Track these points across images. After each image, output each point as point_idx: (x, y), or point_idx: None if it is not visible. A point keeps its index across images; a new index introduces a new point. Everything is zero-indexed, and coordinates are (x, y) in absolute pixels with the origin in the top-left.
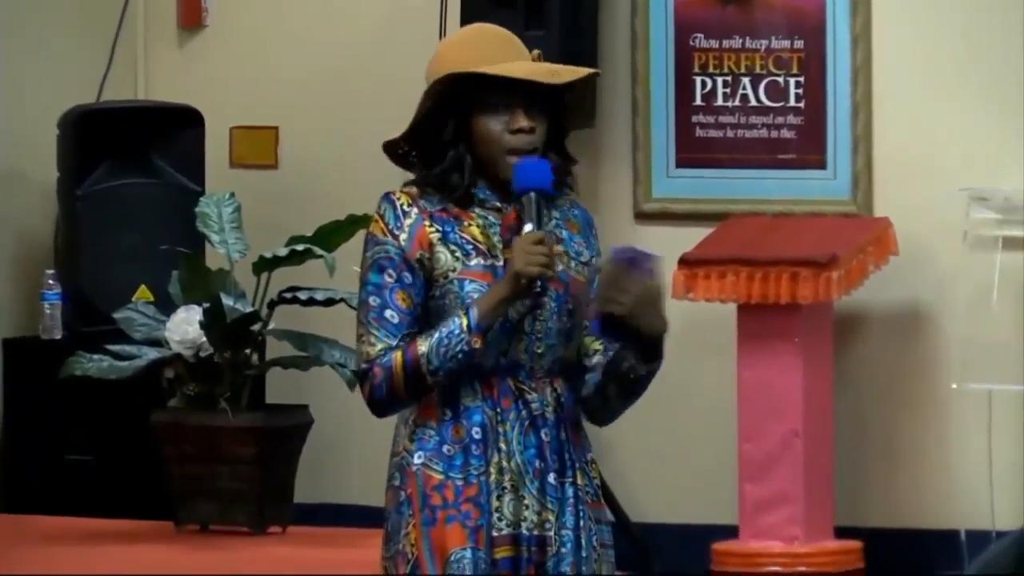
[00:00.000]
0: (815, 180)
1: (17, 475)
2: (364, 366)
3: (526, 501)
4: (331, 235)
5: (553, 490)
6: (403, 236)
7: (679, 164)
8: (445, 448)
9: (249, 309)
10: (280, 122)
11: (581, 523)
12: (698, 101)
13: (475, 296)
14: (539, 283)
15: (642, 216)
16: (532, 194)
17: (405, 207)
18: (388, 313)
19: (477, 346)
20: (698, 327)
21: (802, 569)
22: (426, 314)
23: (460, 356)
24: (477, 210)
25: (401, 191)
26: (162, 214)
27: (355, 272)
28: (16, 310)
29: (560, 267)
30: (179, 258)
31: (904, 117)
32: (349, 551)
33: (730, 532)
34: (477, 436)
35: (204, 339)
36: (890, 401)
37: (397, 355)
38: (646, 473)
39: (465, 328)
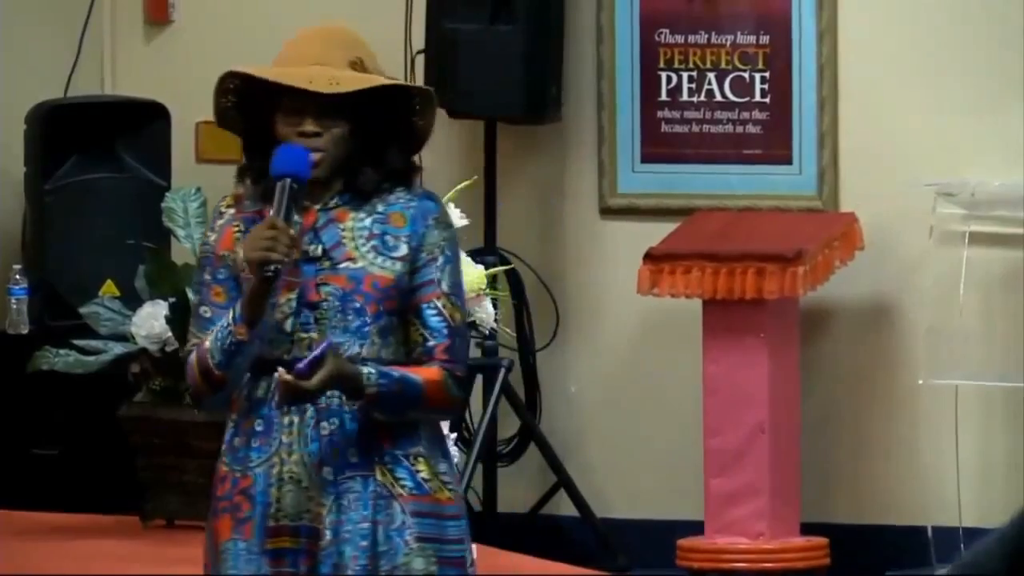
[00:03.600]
0: (781, 175)
1: None
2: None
3: (310, 493)
4: None
5: (329, 484)
6: (213, 236)
7: (644, 159)
8: (236, 440)
9: None
10: None
11: (378, 517)
12: (664, 96)
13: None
14: (270, 267)
15: (607, 211)
16: (286, 181)
17: (223, 208)
18: (202, 310)
19: (242, 337)
20: (664, 322)
21: (768, 565)
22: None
23: (232, 348)
24: None
25: (232, 193)
26: (129, 209)
27: None
28: None
29: (351, 262)
30: (145, 253)
31: (870, 112)
32: None
33: (696, 528)
34: (260, 428)
35: (170, 334)
36: (856, 397)
37: (190, 353)
38: (612, 468)
39: (231, 319)
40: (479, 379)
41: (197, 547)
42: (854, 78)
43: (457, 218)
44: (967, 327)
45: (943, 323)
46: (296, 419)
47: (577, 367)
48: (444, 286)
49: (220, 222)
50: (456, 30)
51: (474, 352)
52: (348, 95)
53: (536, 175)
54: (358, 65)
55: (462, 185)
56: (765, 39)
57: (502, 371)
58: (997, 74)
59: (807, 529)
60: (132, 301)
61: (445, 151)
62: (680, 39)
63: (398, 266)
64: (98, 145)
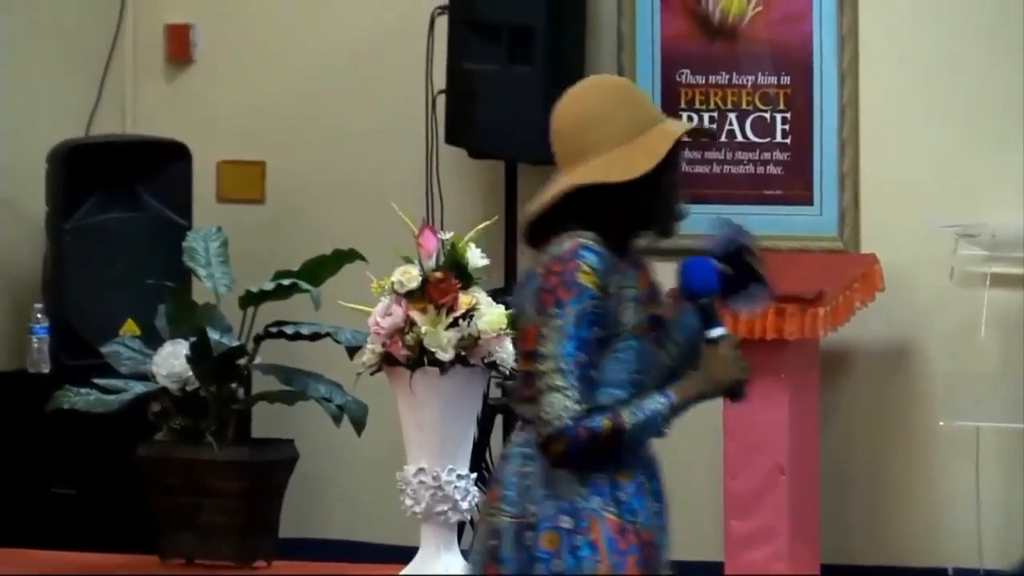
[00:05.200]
0: (802, 216)
1: (2, 507)
2: (568, 423)
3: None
4: (317, 269)
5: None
6: (610, 290)
7: None
8: (620, 494)
9: (235, 343)
10: (267, 156)
11: None
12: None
13: (647, 356)
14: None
15: None
16: (709, 299)
17: (607, 259)
18: (592, 373)
19: (666, 432)
20: None
21: None
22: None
23: (651, 437)
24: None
25: (593, 240)
26: (149, 248)
27: (340, 306)
28: (4, 344)
29: None
30: (165, 292)
31: (891, 153)
32: None
33: (716, 569)
34: (641, 480)
35: (190, 373)
36: (876, 438)
37: (606, 423)
38: None
39: (667, 417)
40: (499, 418)
41: None
42: (875, 119)
43: (478, 258)
44: (988, 369)
45: (964, 364)
46: (642, 474)
47: None
48: None
49: (614, 278)
50: (474, 71)
51: (495, 392)
52: None
53: None
54: None
55: (482, 225)
56: (786, 80)
57: None
58: (1019, 116)
59: (827, 571)
60: (153, 340)
61: (466, 192)
62: (701, 79)
63: None
64: (119, 184)
